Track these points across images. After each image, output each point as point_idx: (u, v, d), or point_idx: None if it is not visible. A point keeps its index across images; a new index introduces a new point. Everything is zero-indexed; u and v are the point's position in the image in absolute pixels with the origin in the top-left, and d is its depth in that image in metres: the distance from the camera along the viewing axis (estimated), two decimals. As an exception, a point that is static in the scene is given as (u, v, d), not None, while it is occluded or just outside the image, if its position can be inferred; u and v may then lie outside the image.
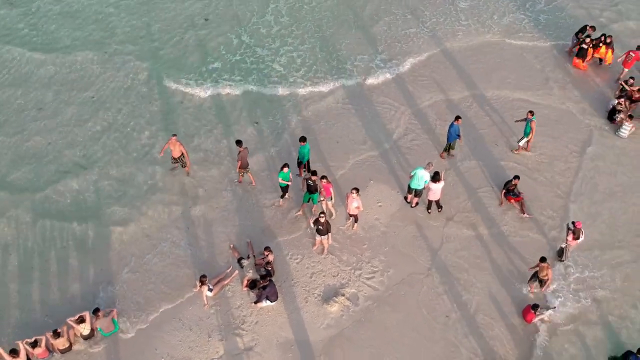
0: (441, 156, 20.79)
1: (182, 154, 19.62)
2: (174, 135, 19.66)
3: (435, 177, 18.28)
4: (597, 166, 20.83)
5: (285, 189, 19.10)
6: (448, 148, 20.66)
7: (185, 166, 19.96)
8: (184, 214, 19.25)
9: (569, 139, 21.77)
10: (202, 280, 16.60)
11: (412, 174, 18.68)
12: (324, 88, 23.75)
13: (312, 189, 18.46)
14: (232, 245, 18.37)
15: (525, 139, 20.63)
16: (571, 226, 17.32)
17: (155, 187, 19.97)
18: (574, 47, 24.96)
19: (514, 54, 25.23)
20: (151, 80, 23.79)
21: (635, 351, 15.54)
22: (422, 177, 18.49)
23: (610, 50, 24.41)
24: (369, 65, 24.73)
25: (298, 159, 19.68)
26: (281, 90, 23.61)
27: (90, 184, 19.97)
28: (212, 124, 22.26)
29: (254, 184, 19.90)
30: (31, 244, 18.37)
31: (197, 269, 17.70)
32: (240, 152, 19.16)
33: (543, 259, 16.50)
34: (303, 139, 19.06)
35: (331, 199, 18.45)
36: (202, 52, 25.14)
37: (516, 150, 21.07)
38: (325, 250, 18.11)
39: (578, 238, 17.16)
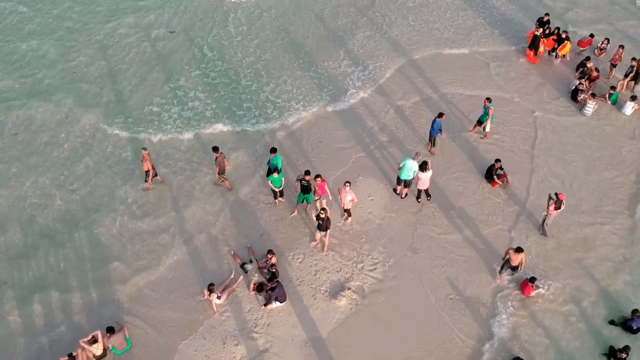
0: (430, 151, 21.42)
1: (149, 169, 19.54)
2: (144, 149, 19.47)
3: (424, 167, 18.94)
4: (561, 142, 21.97)
5: (274, 192, 19.39)
6: (431, 142, 21.31)
7: (146, 181, 19.94)
8: (179, 224, 19.23)
9: (524, 124, 22.84)
10: (210, 288, 16.70)
11: (400, 165, 19.27)
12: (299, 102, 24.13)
13: (305, 189, 18.80)
14: (232, 252, 18.52)
15: (487, 124, 21.51)
16: (554, 197, 18.33)
17: (143, 203, 19.87)
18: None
19: (470, 56, 25.90)
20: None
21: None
22: (411, 168, 19.11)
23: (567, 44, 25.27)
24: (342, 71, 25.21)
25: (269, 170, 19.43)
26: (260, 104, 23.84)
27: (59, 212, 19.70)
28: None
29: (229, 189, 20.06)
30: (25, 270, 17.99)
31: (202, 278, 17.75)
32: (217, 157, 19.26)
33: (519, 249, 16.95)
34: (274, 150, 19.06)
35: (326, 197, 18.82)
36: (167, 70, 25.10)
37: (483, 136, 22.05)
38: (326, 248, 18.49)
39: (559, 208, 18.15)
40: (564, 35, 25.32)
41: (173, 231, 19.08)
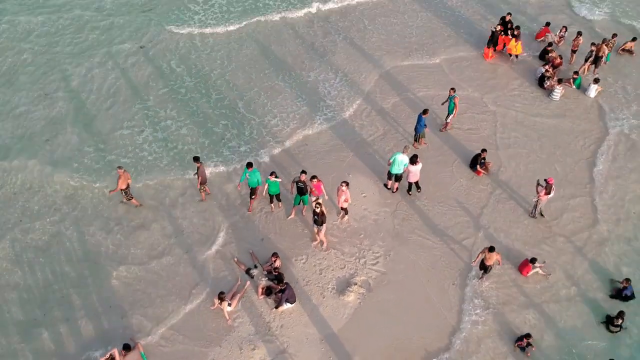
0: (414, 146, 22.05)
1: (128, 185, 19.46)
2: (119, 167, 19.36)
3: (414, 160, 19.59)
4: (534, 127, 23.11)
5: (271, 197, 19.71)
6: (418, 138, 21.94)
7: (130, 199, 19.74)
8: (177, 237, 19.29)
9: (494, 115, 23.88)
10: (221, 297, 16.88)
11: (391, 160, 19.85)
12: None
13: (302, 191, 19.16)
14: (235, 259, 18.71)
15: (450, 116, 22.19)
16: (542, 182, 19.27)
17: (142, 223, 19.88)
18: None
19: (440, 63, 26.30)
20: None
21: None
22: (401, 162, 19.73)
23: (519, 42, 25.80)
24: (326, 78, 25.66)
25: (250, 187, 19.45)
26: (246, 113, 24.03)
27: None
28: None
29: (204, 199, 20.21)
30: (27, 297, 17.73)
31: (209, 288, 17.89)
32: (198, 167, 19.33)
33: (492, 248, 17.26)
34: (250, 165, 19.01)
35: (322, 197, 19.18)
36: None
37: (442, 128, 22.78)
38: (325, 244, 18.89)
39: (549, 193, 19.09)
40: (516, 32, 25.77)
41: (173, 246, 19.08)
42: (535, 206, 19.61)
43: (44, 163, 21.35)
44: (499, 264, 17.77)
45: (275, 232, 19.49)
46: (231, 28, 27.47)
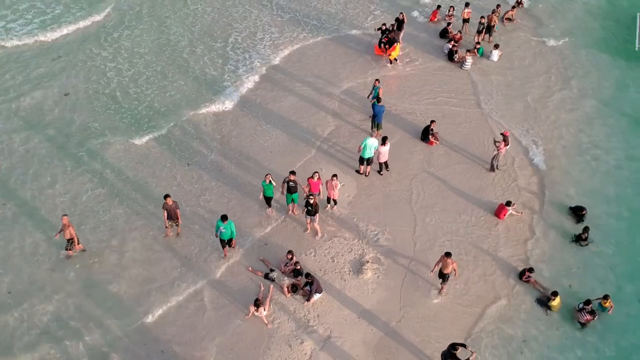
0: (377, 135, 23.73)
1: (72, 237, 18.93)
2: (65, 215, 19.13)
3: (384, 140, 21.51)
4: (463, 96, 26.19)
5: (268, 199, 20.62)
6: (377, 126, 23.66)
7: (70, 249, 19.16)
8: (185, 264, 19.52)
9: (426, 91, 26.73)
10: (257, 303, 17.58)
11: (362, 145, 21.53)
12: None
13: (292, 190, 20.25)
14: (250, 268, 19.37)
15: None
16: (499, 138, 22.08)
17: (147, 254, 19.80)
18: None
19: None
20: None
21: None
22: (372, 145, 21.51)
23: (397, 45, 27.23)
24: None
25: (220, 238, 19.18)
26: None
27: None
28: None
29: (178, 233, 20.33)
30: None
31: (236, 302, 18.43)
32: (166, 203, 19.34)
33: (448, 254, 17.78)
34: (224, 217, 18.59)
35: (319, 194, 20.32)
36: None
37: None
38: (319, 233, 20.17)
39: (508, 144, 21.95)
40: (391, 36, 27.10)
41: (185, 274, 19.31)
42: (494, 159, 22.37)
43: None
44: (454, 273, 18.23)
45: (276, 235, 20.38)
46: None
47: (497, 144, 22.01)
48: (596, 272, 19.74)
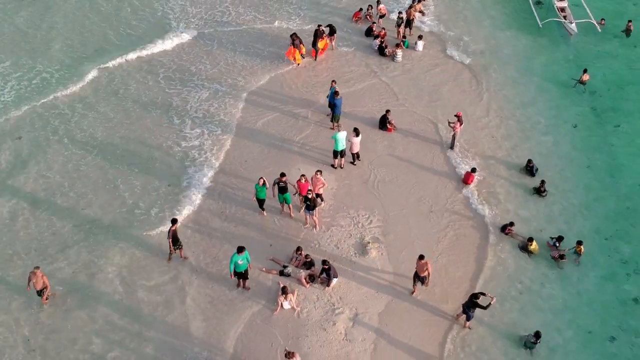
0: (334, 128, 25.46)
1: (45, 286, 18.92)
2: (37, 267, 18.87)
3: (357, 131, 23.37)
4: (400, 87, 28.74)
5: (261, 202, 21.70)
6: (336, 118, 25.40)
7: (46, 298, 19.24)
8: (198, 276, 20.15)
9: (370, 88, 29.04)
10: (285, 290, 18.94)
11: (333, 139, 23.20)
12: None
13: (283, 190, 21.48)
14: (264, 269, 20.37)
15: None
16: (453, 119, 24.64)
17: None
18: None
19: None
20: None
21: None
22: (342, 138, 23.22)
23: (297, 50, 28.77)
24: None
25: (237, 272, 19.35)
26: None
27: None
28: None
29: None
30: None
31: (259, 303, 19.40)
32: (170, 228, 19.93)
33: (421, 257, 18.93)
34: (241, 249, 18.93)
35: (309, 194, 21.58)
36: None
37: (328, 114, 26.26)
38: (317, 226, 21.62)
39: (462, 123, 24.59)
40: (296, 41, 28.54)
41: (198, 286, 19.92)
42: (454, 139, 24.93)
43: None
44: (429, 274, 19.26)
45: (277, 234, 21.54)
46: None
47: (452, 124, 24.58)
48: (557, 216, 22.82)
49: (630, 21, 31.98)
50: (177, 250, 20.44)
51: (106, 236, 21.45)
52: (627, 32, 32.14)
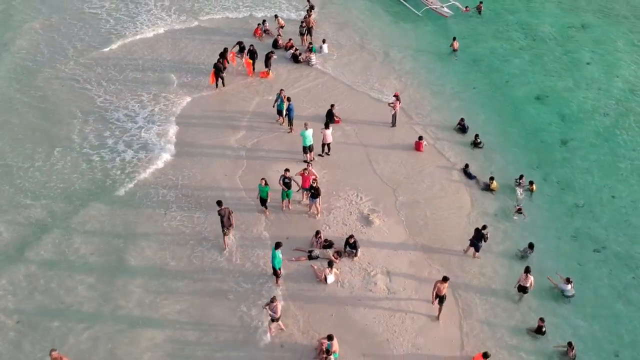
0: (291, 131, 27.76)
1: None
2: (53, 349, 17.85)
3: (327, 125, 26.15)
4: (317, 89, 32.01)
5: (263, 201, 23.48)
6: (291, 122, 27.75)
7: None
8: (239, 277, 21.59)
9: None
10: (331, 263, 21.29)
11: (302, 136, 25.70)
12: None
13: (288, 186, 23.53)
14: (293, 258, 22.24)
15: (283, 111, 28.21)
16: (392, 99, 28.36)
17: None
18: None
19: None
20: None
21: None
22: (309, 135, 25.76)
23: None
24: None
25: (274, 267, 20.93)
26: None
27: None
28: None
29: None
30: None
31: (303, 288, 21.37)
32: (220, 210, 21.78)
33: (445, 279, 19.81)
34: (279, 245, 20.56)
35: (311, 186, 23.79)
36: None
37: (279, 118, 28.92)
38: (319, 213, 24.01)
39: (400, 102, 28.41)
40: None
41: (238, 290, 21.34)
42: (394, 117, 28.65)
43: None
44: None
45: (290, 228, 23.44)
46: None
47: (391, 104, 28.37)
48: (497, 161, 27.65)
49: (481, 2, 38.94)
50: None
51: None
52: (479, 10, 38.97)
